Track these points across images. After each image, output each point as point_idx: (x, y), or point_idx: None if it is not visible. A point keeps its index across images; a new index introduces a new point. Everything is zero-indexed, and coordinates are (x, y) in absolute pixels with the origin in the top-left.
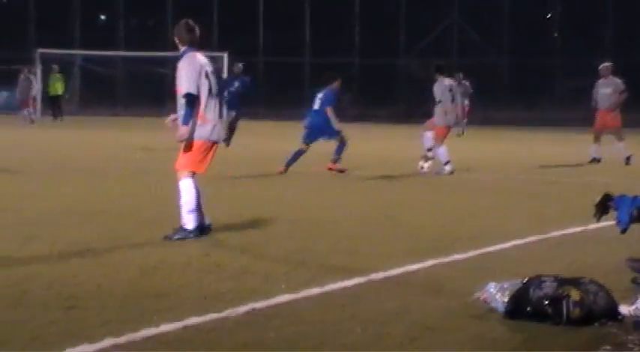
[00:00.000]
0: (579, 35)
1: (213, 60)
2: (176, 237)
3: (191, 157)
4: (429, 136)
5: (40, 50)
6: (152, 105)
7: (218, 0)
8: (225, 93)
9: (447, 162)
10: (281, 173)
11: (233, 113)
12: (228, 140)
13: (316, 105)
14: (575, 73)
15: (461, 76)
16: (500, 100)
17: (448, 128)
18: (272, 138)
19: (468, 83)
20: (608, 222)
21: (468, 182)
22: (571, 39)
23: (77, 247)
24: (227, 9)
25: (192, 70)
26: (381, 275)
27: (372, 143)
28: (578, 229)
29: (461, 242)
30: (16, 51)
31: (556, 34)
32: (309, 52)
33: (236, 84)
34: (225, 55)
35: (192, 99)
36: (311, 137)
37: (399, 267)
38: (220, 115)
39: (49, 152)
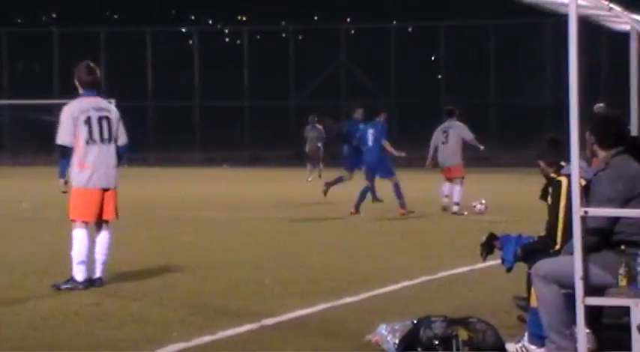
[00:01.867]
0: (464, 75)
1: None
2: (64, 286)
3: (76, 206)
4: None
5: None
6: (40, 153)
7: (105, 44)
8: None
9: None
10: (352, 214)
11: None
12: (373, 196)
13: (370, 142)
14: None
15: (315, 119)
16: (390, 141)
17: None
18: (163, 183)
19: (321, 127)
20: (494, 261)
21: (360, 222)
22: (456, 79)
23: None
24: (115, 53)
25: (68, 117)
26: (273, 320)
27: (266, 185)
28: (466, 268)
29: (354, 283)
30: None
31: (440, 76)
32: (198, 96)
33: (370, 130)
34: (114, 101)
35: (64, 150)
36: (370, 174)
37: (292, 311)
38: (106, 162)
39: None
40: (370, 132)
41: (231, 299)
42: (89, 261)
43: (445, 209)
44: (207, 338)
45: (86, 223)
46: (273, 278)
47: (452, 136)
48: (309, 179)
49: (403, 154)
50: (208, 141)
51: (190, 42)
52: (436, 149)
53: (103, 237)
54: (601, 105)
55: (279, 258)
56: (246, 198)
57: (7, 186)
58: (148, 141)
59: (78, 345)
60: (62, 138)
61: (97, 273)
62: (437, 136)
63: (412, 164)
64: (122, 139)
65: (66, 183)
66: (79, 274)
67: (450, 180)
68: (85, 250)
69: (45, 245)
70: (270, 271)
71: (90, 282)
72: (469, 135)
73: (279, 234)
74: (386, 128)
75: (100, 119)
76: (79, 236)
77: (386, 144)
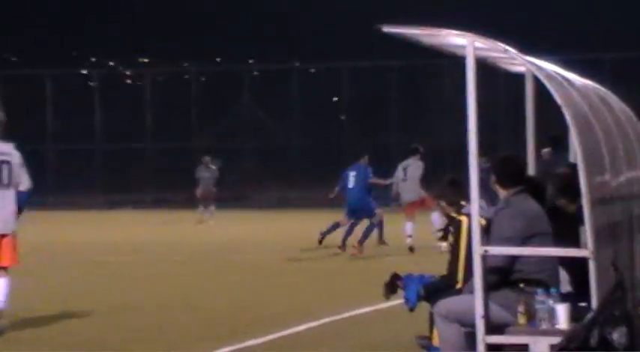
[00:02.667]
0: (366, 116)
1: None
2: None
3: None
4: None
5: None
6: None
7: (4, 87)
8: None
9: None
10: (340, 248)
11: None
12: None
13: (351, 184)
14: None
15: (208, 159)
16: (295, 182)
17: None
18: (64, 226)
19: (215, 167)
20: (398, 301)
21: (264, 262)
22: (358, 120)
23: None
24: (11, 96)
25: None
26: None
27: (170, 227)
28: (370, 308)
29: (257, 326)
30: None
31: (343, 117)
32: (100, 138)
33: (352, 172)
34: (12, 144)
35: None
36: (352, 215)
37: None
38: (4, 207)
39: None
40: (352, 174)
41: (133, 345)
42: None
43: (411, 249)
44: None
45: None
46: (175, 321)
47: (410, 173)
48: (211, 222)
49: (387, 182)
50: (110, 184)
51: (91, 84)
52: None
53: (2, 284)
54: (547, 150)
55: (183, 300)
56: (150, 241)
57: None
58: (47, 185)
59: None
60: None
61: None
62: (397, 173)
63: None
64: (25, 185)
65: None
66: None
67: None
68: None
69: None
70: (173, 315)
71: None
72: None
73: (183, 277)
74: (369, 170)
75: (0, 163)
76: None
77: (374, 180)
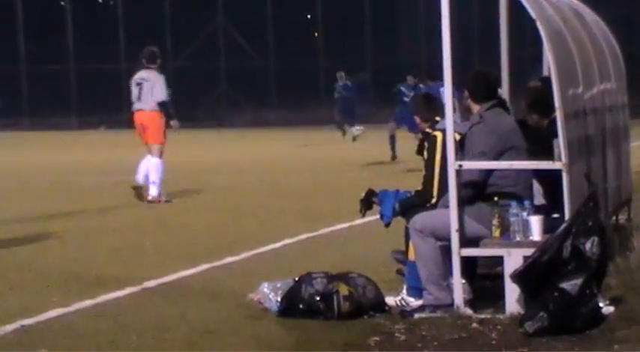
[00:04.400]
0: (340, 36)
1: None
2: None
3: None
4: None
5: None
6: None
7: None
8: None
9: None
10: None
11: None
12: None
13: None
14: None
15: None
16: (270, 103)
17: None
18: (37, 148)
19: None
20: (373, 217)
21: (241, 184)
22: (332, 39)
23: None
24: None
25: None
26: (155, 282)
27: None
28: (346, 225)
29: (235, 244)
30: None
31: (317, 34)
32: (73, 59)
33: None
34: None
35: None
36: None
37: (173, 273)
38: None
39: None
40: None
41: (111, 265)
42: None
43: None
44: (88, 302)
45: None
46: (153, 242)
47: None
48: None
49: None
50: (84, 105)
51: (62, 4)
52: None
53: None
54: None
55: (159, 221)
56: (124, 162)
57: None
58: (21, 106)
59: None
60: None
61: None
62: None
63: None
64: None
65: None
66: None
67: None
68: None
69: None
70: (150, 234)
71: None
72: None
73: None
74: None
75: None
76: None
77: None
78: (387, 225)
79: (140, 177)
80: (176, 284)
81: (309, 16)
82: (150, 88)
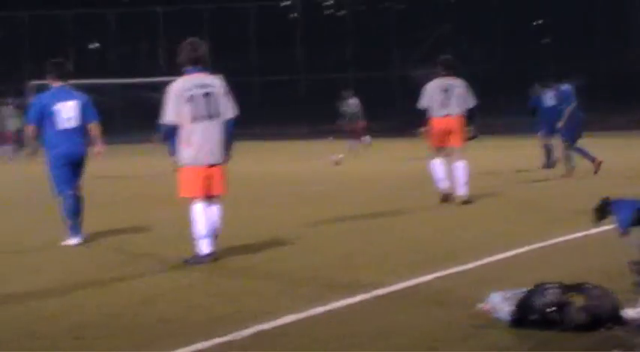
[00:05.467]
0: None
1: None
2: (191, 262)
3: (183, 183)
4: None
5: (33, 82)
6: (146, 131)
7: (209, 22)
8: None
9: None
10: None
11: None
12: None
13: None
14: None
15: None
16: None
17: None
18: (270, 157)
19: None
20: (610, 226)
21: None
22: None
23: (80, 277)
24: (218, 31)
25: (171, 96)
26: (384, 290)
27: (372, 156)
28: (580, 234)
29: (461, 253)
30: (9, 83)
31: (548, 40)
32: (303, 70)
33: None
34: (220, 77)
35: (168, 129)
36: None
37: (401, 282)
38: (212, 138)
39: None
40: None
41: (342, 271)
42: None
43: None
44: (320, 309)
45: (200, 198)
46: (381, 250)
47: None
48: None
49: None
50: (314, 115)
51: (292, 15)
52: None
53: (212, 212)
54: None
55: (387, 230)
56: (352, 170)
57: (119, 165)
58: (254, 116)
59: (194, 319)
60: (167, 117)
61: (210, 248)
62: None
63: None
64: (229, 113)
65: (175, 161)
66: (202, 249)
67: None
68: (206, 224)
69: (151, 223)
70: (378, 242)
71: (211, 255)
72: None
73: (386, 206)
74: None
75: (204, 95)
76: (198, 211)
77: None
78: (624, 234)
79: (444, 183)
80: (405, 292)
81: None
82: (460, 94)
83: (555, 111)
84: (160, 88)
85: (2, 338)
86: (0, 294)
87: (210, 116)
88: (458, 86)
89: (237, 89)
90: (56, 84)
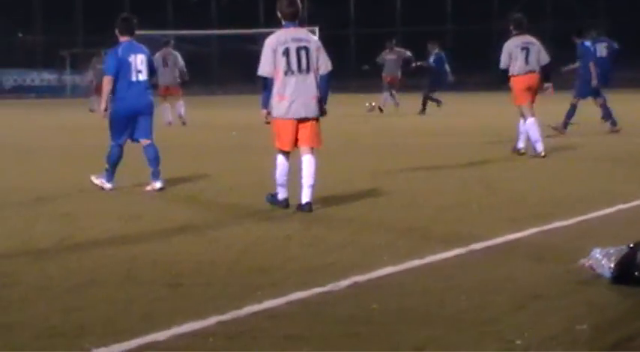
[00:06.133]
0: None
1: None
2: (269, 199)
3: (275, 135)
4: None
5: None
6: (245, 83)
7: None
8: None
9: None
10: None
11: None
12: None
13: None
14: None
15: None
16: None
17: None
18: (344, 112)
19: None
20: None
21: (563, 148)
22: None
23: (179, 225)
24: None
25: (268, 49)
26: (482, 244)
27: (467, 111)
28: None
29: (562, 208)
30: (107, 34)
31: None
32: (399, 22)
33: None
34: (317, 29)
35: (265, 81)
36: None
37: (500, 236)
38: (305, 92)
39: None
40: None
41: (438, 224)
42: (292, 186)
43: None
44: (416, 262)
45: (286, 151)
46: (479, 203)
47: None
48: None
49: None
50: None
51: None
52: None
53: (308, 163)
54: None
55: (484, 183)
56: (450, 124)
57: (217, 115)
58: (349, 69)
59: (290, 269)
60: (263, 69)
61: (306, 198)
62: None
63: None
64: (323, 68)
65: (269, 113)
66: (279, 194)
67: None
68: (284, 174)
69: (253, 172)
70: (476, 196)
71: (299, 207)
72: None
73: (483, 160)
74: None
75: (298, 50)
76: (279, 162)
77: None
78: None
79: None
80: (503, 247)
81: None
82: (537, 51)
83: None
84: (257, 40)
85: (105, 281)
86: (100, 239)
87: (305, 70)
88: (534, 44)
89: (333, 42)
90: (124, 39)
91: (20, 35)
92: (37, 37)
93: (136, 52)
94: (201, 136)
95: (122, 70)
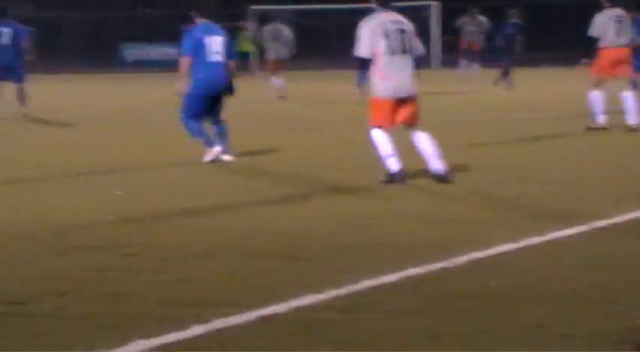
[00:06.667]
0: None
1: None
2: (381, 178)
3: (374, 113)
4: None
5: (253, 7)
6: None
7: None
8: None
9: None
10: None
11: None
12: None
13: None
14: None
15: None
16: None
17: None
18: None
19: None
20: None
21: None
22: None
23: (295, 198)
24: None
25: (366, 31)
26: (605, 222)
27: (551, 86)
28: None
29: None
30: (228, 8)
31: None
32: None
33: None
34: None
35: (363, 61)
36: None
37: (623, 214)
38: (404, 72)
39: (265, 105)
40: None
41: (557, 200)
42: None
43: None
44: (536, 239)
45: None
46: (597, 180)
47: None
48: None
49: None
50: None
51: None
52: None
53: (423, 138)
54: None
55: (596, 159)
56: (536, 99)
57: (331, 88)
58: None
59: (404, 244)
60: (362, 50)
61: (442, 168)
62: None
63: None
64: (420, 49)
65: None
66: (392, 166)
67: None
68: (389, 143)
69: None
70: (592, 172)
71: (440, 179)
72: None
73: (594, 138)
74: None
75: (398, 31)
76: (377, 134)
77: None
78: None
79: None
80: (627, 225)
81: None
82: (628, 25)
83: None
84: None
85: (223, 252)
86: (219, 211)
87: (405, 51)
88: (626, 18)
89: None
90: (200, 20)
91: (143, 9)
92: (160, 11)
93: (212, 33)
94: (308, 111)
95: (199, 50)
